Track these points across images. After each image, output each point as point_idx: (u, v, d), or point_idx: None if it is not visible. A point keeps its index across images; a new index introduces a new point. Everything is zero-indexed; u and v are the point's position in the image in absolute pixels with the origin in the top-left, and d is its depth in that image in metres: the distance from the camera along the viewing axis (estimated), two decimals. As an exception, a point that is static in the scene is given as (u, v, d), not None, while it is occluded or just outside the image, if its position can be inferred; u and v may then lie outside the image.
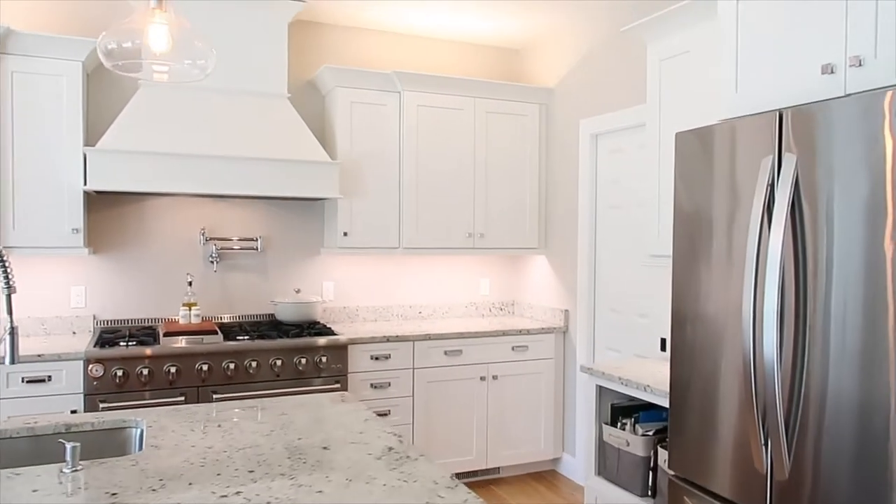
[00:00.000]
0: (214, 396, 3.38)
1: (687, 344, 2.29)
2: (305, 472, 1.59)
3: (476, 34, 4.51)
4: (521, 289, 4.84)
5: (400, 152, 4.14)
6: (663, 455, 2.73)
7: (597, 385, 3.13)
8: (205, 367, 3.37)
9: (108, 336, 3.48)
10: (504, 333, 4.12)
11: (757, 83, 2.19)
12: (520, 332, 4.16)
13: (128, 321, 3.88)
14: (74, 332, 3.74)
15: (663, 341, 3.50)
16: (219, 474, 1.56)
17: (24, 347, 3.26)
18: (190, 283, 3.88)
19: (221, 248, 4.06)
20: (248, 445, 1.78)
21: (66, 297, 3.74)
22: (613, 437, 3.00)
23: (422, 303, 4.61)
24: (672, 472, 2.34)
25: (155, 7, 1.53)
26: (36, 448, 1.98)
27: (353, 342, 3.72)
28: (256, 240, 4.13)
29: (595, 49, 4.06)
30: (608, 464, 3.06)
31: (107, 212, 3.83)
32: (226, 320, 4.08)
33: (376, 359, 3.80)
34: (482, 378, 4.07)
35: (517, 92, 4.40)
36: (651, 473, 2.84)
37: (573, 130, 4.26)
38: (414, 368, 3.89)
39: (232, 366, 3.42)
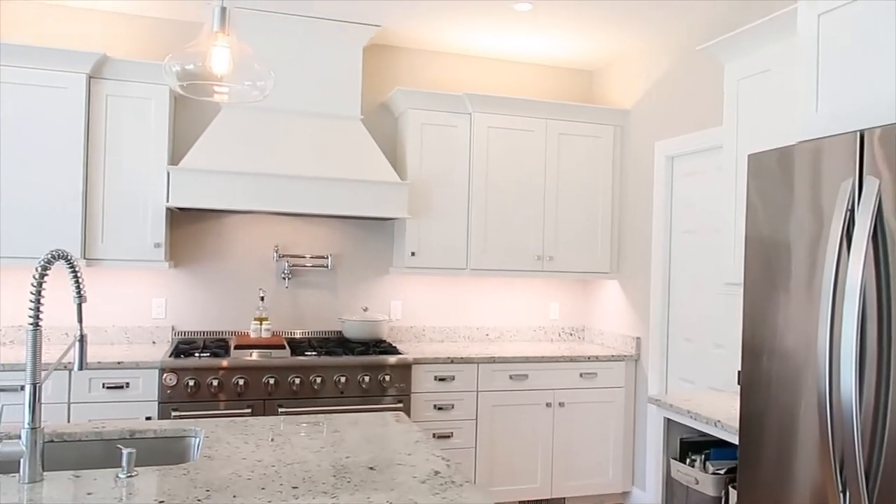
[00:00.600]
0: (280, 410, 3.45)
1: (761, 378, 2.15)
2: (348, 491, 1.58)
3: (549, 56, 4.48)
4: (592, 314, 4.72)
5: (469, 173, 4.14)
6: (734, 496, 2.56)
7: (665, 417, 2.99)
8: (271, 381, 3.44)
9: (183, 347, 3.63)
10: (572, 359, 4.01)
11: (838, 101, 2.05)
12: (588, 359, 4.05)
13: (203, 333, 4.03)
14: (154, 342, 3.92)
15: (740, 374, 3.30)
16: (263, 488, 1.58)
17: (107, 354, 3.44)
18: (262, 299, 3.99)
19: (293, 265, 4.17)
20: (296, 461, 1.80)
21: (148, 308, 3.93)
22: (682, 474, 2.85)
23: (489, 325, 4.56)
24: (741, 516, 2.19)
25: (218, 31, 1.60)
26: (106, 452, 2.06)
27: (418, 362, 3.72)
28: (327, 257, 4.22)
29: (671, 69, 3.95)
30: (676, 502, 2.90)
31: (187, 227, 4.01)
32: (296, 336, 4.17)
33: (441, 380, 3.78)
34: (548, 404, 3.97)
35: (591, 113, 4.33)
36: (722, 515, 2.67)
37: (648, 152, 4.15)
38: (478, 391, 3.84)
39: (297, 381, 3.48)
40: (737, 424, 2.51)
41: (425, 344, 4.30)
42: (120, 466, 1.65)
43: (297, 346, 3.79)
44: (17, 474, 1.60)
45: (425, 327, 4.42)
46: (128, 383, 3.30)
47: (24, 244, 3.40)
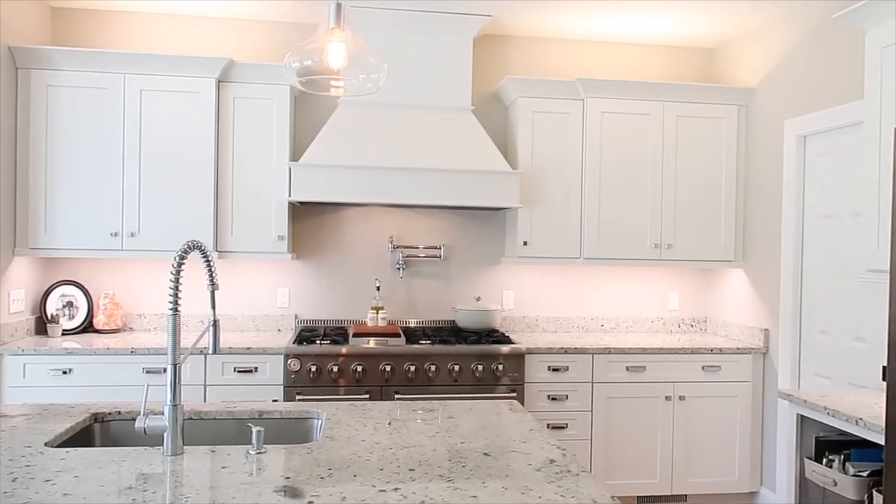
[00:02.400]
0: (396, 396, 3.54)
1: (909, 373, 1.95)
2: (463, 475, 1.59)
3: (665, 35, 4.29)
4: (715, 305, 4.49)
5: (582, 160, 4.05)
6: (879, 501, 2.35)
7: (798, 414, 2.79)
8: (388, 368, 3.54)
9: (305, 334, 3.80)
10: (693, 352, 3.84)
11: None
12: (711, 351, 3.86)
13: (324, 321, 4.20)
14: (279, 330, 4.13)
15: (885, 370, 3.03)
16: (381, 469, 1.62)
17: (237, 341, 3.67)
18: (378, 288, 4.11)
19: (407, 256, 4.25)
20: (412, 445, 1.83)
21: (273, 298, 4.16)
22: (817, 475, 2.65)
23: (604, 315, 4.45)
24: (888, 522, 2.01)
25: (333, 27, 1.65)
26: (238, 430, 2.20)
27: (531, 352, 3.69)
28: (440, 248, 4.27)
29: (802, 42, 3.66)
30: (811, 504, 2.71)
31: (308, 220, 4.19)
32: (411, 324, 4.26)
33: (555, 370, 3.73)
34: (667, 398, 3.82)
35: (712, 93, 4.10)
36: (864, 521, 2.47)
37: (777, 132, 3.88)
38: (593, 382, 3.76)
39: (413, 368, 3.55)
40: (882, 423, 2.31)
41: (538, 334, 4.26)
42: (250, 443, 1.75)
43: (411, 335, 3.87)
44: (161, 447, 1.74)
45: (538, 317, 4.38)
46: (256, 368, 3.51)
47: (164, 239, 3.69)
